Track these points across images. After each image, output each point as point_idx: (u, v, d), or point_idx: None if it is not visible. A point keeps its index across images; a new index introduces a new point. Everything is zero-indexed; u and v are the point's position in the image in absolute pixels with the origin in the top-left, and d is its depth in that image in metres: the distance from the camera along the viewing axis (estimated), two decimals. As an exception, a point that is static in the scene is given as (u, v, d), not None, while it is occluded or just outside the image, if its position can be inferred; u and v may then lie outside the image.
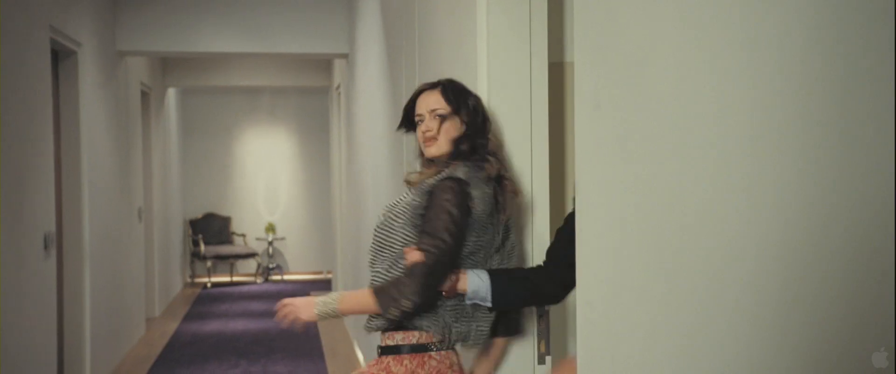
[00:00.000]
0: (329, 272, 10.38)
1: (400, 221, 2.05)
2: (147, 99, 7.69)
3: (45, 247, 4.11)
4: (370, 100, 5.05)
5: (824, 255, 0.92)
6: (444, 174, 2.06)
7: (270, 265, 10.44)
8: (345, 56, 6.47)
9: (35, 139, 4.02)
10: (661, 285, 1.22)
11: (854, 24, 0.86)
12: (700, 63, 1.11)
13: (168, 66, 8.72)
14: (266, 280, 10.36)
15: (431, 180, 2.07)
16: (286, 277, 10.57)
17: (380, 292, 1.99)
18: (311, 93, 10.46)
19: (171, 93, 9.39)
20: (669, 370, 1.20)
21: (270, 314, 8.12)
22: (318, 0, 6.28)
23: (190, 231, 10.27)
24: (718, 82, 1.07)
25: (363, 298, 2.01)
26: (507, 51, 2.29)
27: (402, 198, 2.12)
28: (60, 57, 4.81)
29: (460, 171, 2.04)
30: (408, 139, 3.47)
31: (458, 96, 2.13)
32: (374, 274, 2.10)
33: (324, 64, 8.87)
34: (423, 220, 2.01)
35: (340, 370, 5.81)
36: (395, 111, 3.92)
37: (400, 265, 2.03)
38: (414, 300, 1.95)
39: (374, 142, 4.86)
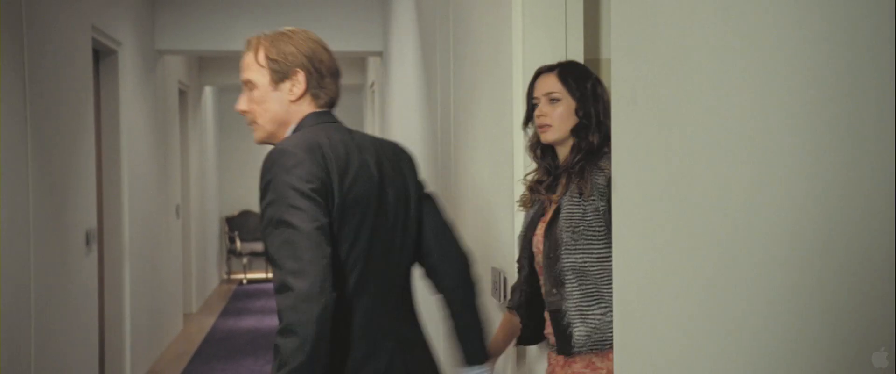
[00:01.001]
0: (363, 269, 10.44)
1: (592, 232, 1.93)
2: (184, 97, 7.79)
3: (87, 243, 4.19)
4: (405, 97, 5.07)
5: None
6: (609, 170, 1.91)
7: (305, 262, 10.51)
8: (379, 54, 6.50)
9: (77, 137, 4.10)
10: (700, 285, 1.21)
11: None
12: (739, 57, 1.11)
13: (205, 64, 8.82)
14: (301, 277, 10.43)
15: (602, 180, 1.93)
16: (321, 273, 10.64)
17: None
18: (345, 90, 10.47)
19: (208, 91, 9.50)
20: (708, 368, 1.20)
21: (305, 310, 8.18)
22: (352, -2, 6.32)
23: (226, 228, 10.38)
24: (758, 77, 1.07)
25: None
26: (543, 48, 2.29)
27: (572, 210, 1.96)
28: (101, 56, 4.90)
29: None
30: (443, 136, 3.48)
31: (577, 79, 2.01)
32: (577, 299, 1.94)
33: (358, 62, 8.92)
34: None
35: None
36: (429, 108, 3.93)
37: (607, 280, 1.92)
38: None
39: (408, 138, 4.88)
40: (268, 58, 1.81)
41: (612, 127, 1.53)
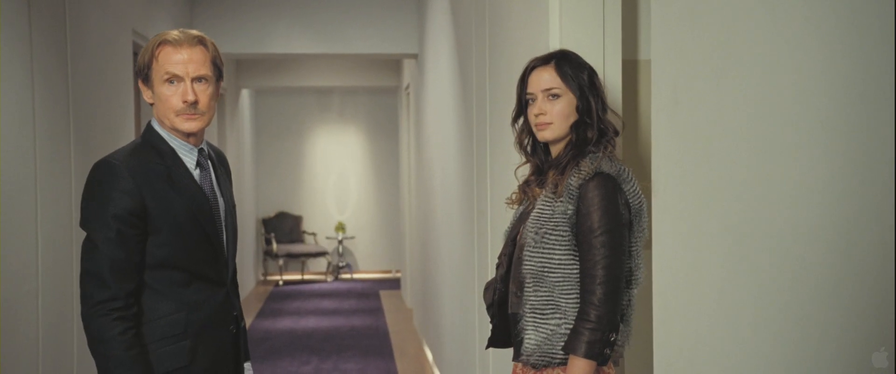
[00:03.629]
0: (398, 271, 10.47)
1: (555, 235, 1.84)
2: (222, 100, 7.88)
3: (127, 244, 4.25)
4: (439, 99, 5.08)
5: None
6: (585, 170, 1.83)
7: (340, 264, 10.58)
8: (414, 56, 6.52)
9: (118, 138, 4.17)
10: (743, 289, 1.19)
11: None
12: (783, 57, 1.09)
13: (242, 67, 8.92)
14: (336, 279, 10.50)
15: (574, 181, 1.83)
16: (356, 275, 10.69)
17: (580, 346, 1.78)
18: (380, 93, 10.56)
19: (245, 94, 9.60)
20: (751, 367, 1.18)
21: (340, 312, 8.24)
22: (387, 1, 6.35)
23: (262, 230, 10.48)
24: (803, 78, 1.05)
25: (578, 367, 1.79)
26: (580, 49, 2.27)
27: (542, 210, 1.87)
28: (141, 60, 4.98)
29: (605, 164, 1.83)
30: (478, 137, 3.48)
31: (575, 71, 1.91)
32: (533, 304, 1.86)
33: (393, 64, 8.96)
34: (587, 228, 1.80)
35: (409, 368, 5.86)
36: (464, 110, 3.93)
37: (565, 288, 1.84)
38: (613, 326, 1.80)
39: (443, 141, 4.88)
40: (217, 60, 2.00)
41: (653, 128, 1.52)
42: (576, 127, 1.91)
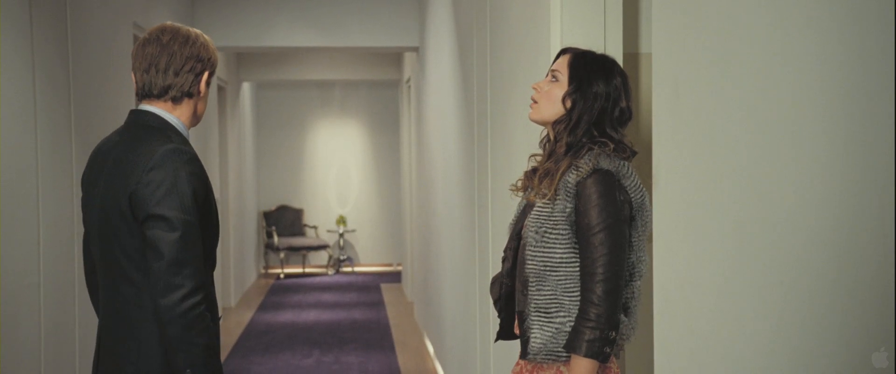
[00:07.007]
0: (399, 265, 10.48)
1: (555, 234, 1.83)
2: (223, 93, 7.87)
3: (128, 237, 4.25)
4: (440, 92, 5.07)
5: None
6: (583, 168, 1.81)
7: (341, 257, 10.59)
8: (415, 49, 6.51)
9: (118, 133, 4.17)
10: (743, 283, 1.20)
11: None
12: (784, 51, 1.09)
13: (243, 60, 8.91)
14: (337, 272, 10.51)
15: (572, 179, 1.82)
16: (357, 269, 10.71)
17: (581, 345, 1.77)
18: (381, 86, 10.56)
19: (246, 87, 9.60)
20: (750, 365, 1.18)
21: (341, 305, 8.25)
22: (389, -6, 6.34)
23: (264, 223, 10.49)
24: (803, 72, 1.05)
25: (580, 366, 1.78)
26: (581, 42, 2.27)
27: (541, 209, 1.86)
28: (142, 53, 4.97)
29: (603, 161, 1.81)
30: (479, 130, 3.48)
31: (588, 71, 1.88)
32: (538, 303, 1.85)
33: (394, 57, 8.95)
34: (585, 225, 1.79)
35: (411, 361, 5.87)
36: (465, 104, 3.93)
37: (568, 287, 1.83)
38: (613, 324, 1.78)
39: (444, 134, 4.88)
40: None
41: (653, 122, 1.52)
42: (556, 123, 1.89)
